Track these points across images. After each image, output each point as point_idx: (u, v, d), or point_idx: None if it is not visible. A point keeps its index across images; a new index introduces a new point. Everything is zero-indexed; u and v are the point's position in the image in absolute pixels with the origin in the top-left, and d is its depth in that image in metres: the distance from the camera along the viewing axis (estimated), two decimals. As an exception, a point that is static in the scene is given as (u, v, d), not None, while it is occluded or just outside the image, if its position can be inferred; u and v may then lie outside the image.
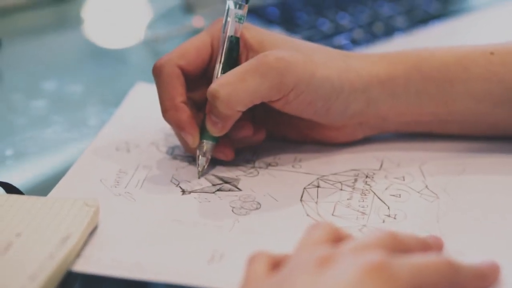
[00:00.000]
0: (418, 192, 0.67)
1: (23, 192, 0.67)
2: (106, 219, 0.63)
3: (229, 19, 0.68)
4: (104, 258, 0.59)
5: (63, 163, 0.76)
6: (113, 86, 0.97)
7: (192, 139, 0.68)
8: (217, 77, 0.68)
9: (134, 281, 0.58)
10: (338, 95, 0.68)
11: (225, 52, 0.68)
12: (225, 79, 0.65)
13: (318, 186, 0.68)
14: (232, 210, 0.65)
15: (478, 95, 0.70)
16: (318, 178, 0.70)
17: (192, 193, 0.67)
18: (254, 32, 0.70)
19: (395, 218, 0.64)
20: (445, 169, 0.70)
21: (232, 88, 0.65)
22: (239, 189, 0.68)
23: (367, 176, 0.70)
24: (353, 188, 0.68)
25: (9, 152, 0.79)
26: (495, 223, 0.63)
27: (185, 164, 0.71)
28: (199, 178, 0.69)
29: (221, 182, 0.69)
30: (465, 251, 0.60)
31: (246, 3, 0.69)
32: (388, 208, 0.66)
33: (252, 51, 0.69)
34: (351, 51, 0.93)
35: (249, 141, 0.72)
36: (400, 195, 0.67)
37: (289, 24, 1.03)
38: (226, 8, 0.69)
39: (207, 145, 0.69)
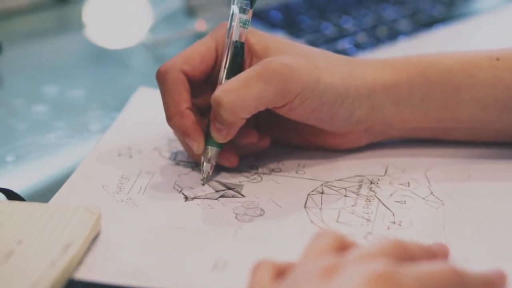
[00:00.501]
0: (424, 198, 0.67)
1: (24, 198, 0.67)
2: (108, 226, 0.63)
3: (233, 24, 0.68)
4: (106, 265, 0.59)
5: (65, 168, 0.76)
6: (115, 90, 0.96)
7: (197, 146, 0.68)
8: (221, 82, 0.68)
9: (136, 289, 0.57)
10: (342, 101, 0.68)
11: (229, 58, 0.68)
12: (229, 85, 0.65)
13: (322, 193, 0.68)
14: (236, 217, 0.65)
15: (483, 101, 0.69)
16: (322, 184, 0.69)
17: (195, 200, 0.67)
18: (259, 37, 0.69)
19: (400, 225, 0.64)
20: (451, 176, 0.70)
21: (236, 95, 0.64)
22: (243, 196, 0.68)
23: (371, 182, 0.69)
24: (358, 194, 0.68)
25: (10, 157, 0.79)
26: (501, 230, 0.63)
27: (188, 170, 0.71)
28: (203, 184, 0.69)
29: (224, 188, 0.69)
30: (471, 259, 0.59)
31: (251, 7, 0.68)
32: (393, 214, 0.65)
33: (256, 56, 0.68)
34: (354, 55, 0.94)
35: (254, 148, 0.71)
36: (405, 201, 0.67)
37: (292, 28, 1.02)
38: (231, 12, 0.68)
39: (211, 151, 0.68)
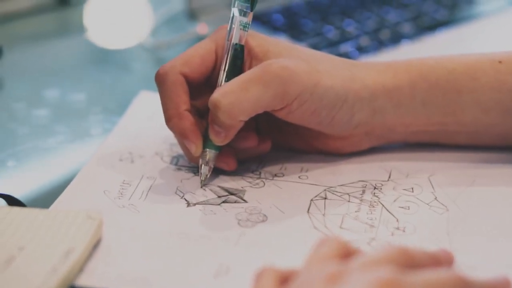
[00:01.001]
0: (427, 204, 0.67)
1: (25, 203, 0.66)
2: (109, 232, 0.62)
3: (233, 26, 0.68)
4: (108, 272, 0.58)
5: (66, 173, 0.75)
6: (116, 94, 0.96)
7: (195, 148, 0.67)
8: (220, 85, 0.67)
9: (138, 296, 0.57)
10: (342, 104, 0.68)
11: (229, 60, 0.68)
12: (227, 88, 0.65)
13: (325, 198, 0.67)
14: (238, 223, 0.64)
15: (486, 104, 0.69)
16: (325, 190, 0.69)
17: (197, 205, 0.67)
18: (259, 40, 0.69)
19: (404, 231, 0.63)
20: (455, 180, 0.69)
21: (234, 97, 0.64)
22: (245, 201, 0.67)
23: (375, 188, 0.69)
24: (361, 200, 0.67)
25: (10, 162, 0.79)
26: (506, 236, 0.62)
27: (190, 175, 0.71)
28: (201, 187, 0.69)
29: (226, 193, 0.68)
30: (476, 265, 0.59)
31: (251, 10, 0.68)
32: (397, 220, 0.65)
33: (256, 59, 0.68)
34: (357, 59, 0.93)
35: (254, 152, 0.71)
36: (409, 207, 0.66)
37: (295, 31, 1.02)
38: (231, 15, 0.68)
39: (210, 154, 0.68)
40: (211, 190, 0.69)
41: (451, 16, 1.08)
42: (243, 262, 0.59)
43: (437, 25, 1.05)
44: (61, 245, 0.59)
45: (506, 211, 0.65)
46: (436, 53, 0.72)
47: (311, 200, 0.67)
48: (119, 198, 0.67)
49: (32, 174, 0.78)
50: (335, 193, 0.68)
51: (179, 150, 0.73)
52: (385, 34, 1.02)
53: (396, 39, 1.01)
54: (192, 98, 0.69)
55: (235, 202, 0.67)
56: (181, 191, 0.68)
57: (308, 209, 0.66)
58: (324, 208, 0.66)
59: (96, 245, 0.61)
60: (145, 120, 0.79)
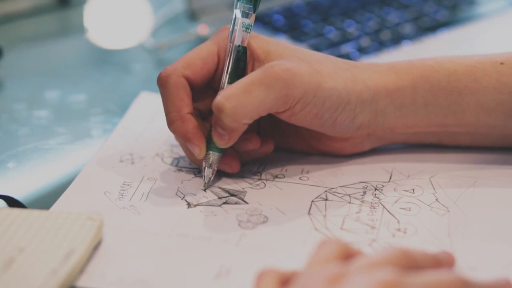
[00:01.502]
0: (429, 205, 0.66)
1: (25, 205, 0.66)
2: (110, 233, 0.62)
3: (236, 28, 0.67)
4: (108, 273, 0.58)
5: (66, 175, 0.75)
6: (117, 94, 0.96)
7: (199, 151, 0.67)
8: (223, 87, 0.67)
9: (139, 298, 0.57)
10: (344, 106, 0.67)
11: (232, 62, 0.67)
12: (230, 91, 0.64)
13: (326, 199, 0.67)
14: (239, 224, 0.64)
15: (488, 106, 0.69)
16: (326, 191, 0.68)
17: (197, 206, 0.66)
18: (261, 41, 0.69)
19: (405, 232, 0.63)
20: (456, 182, 0.69)
21: (237, 100, 0.64)
22: (246, 202, 0.67)
23: (376, 189, 0.69)
24: (362, 201, 0.67)
25: (11, 163, 0.79)
26: (507, 237, 0.62)
27: (190, 176, 0.70)
28: (205, 190, 0.68)
29: (227, 195, 0.68)
30: (477, 267, 0.59)
31: (254, 12, 0.67)
32: (398, 222, 0.64)
33: (258, 61, 0.68)
34: (358, 60, 0.93)
35: (256, 154, 0.71)
36: (410, 208, 0.66)
37: (295, 32, 1.02)
38: (233, 17, 0.68)
39: (213, 156, 0.68)
40: (211, 191, 0.68)
41: (452, 17, 1.07)
42: (243, 263, 0.59)
43: (438, 26, 1.04)
44: (62, 246, 0.59)
45: (507, 212, 0.65)
46: (437, 54, 0.72)
47: (312, 201, 0.67)
48: (120, 199, 0.67)
49: (32, 175, 0.78)
50: (336, 194, 0.68)
51: (179, 151, 0.73)
52: (385, 35, 1.02)
53: (396, 40, 1.00)
54: (194, 101, 0.69)
55: (235, 203, 0.67)
56: (181, 192, 0.68)
57: (309, 210, 0.66)
58: (325, 209, 0.66)
59: (96, 246, 0.61)
60: (146, 121, 0.79)
